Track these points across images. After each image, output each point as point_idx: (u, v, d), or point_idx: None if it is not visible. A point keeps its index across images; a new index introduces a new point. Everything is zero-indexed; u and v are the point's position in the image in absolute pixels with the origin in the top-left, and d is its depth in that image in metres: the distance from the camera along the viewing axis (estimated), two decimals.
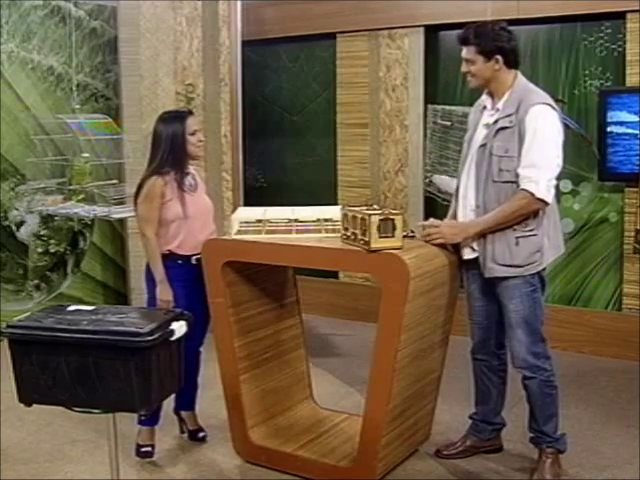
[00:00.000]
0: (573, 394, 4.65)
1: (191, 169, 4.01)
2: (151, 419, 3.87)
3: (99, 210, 5.14)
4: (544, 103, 3.43)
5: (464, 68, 3.55)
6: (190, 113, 4.03)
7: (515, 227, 3.43)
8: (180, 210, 3.84)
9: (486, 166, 3.49)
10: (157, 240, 3.84)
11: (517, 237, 3.44)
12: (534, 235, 3.46)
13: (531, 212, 3.42)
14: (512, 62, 3.50)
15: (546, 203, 3.40)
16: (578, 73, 5.48)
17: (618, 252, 5.45)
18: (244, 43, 6.21)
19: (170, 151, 3.86)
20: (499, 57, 3.45)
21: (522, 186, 3.38)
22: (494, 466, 3.82)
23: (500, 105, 3.50)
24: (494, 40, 3.45)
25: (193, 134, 3.90)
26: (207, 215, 4.02)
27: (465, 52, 3.52)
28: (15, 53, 5.55)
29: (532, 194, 3.36)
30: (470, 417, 3.95)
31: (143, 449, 3.93)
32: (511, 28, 3.55)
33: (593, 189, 5.51)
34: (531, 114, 3.38)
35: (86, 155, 5.22)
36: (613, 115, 5.17)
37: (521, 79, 3.53)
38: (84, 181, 5.20)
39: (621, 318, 5.45)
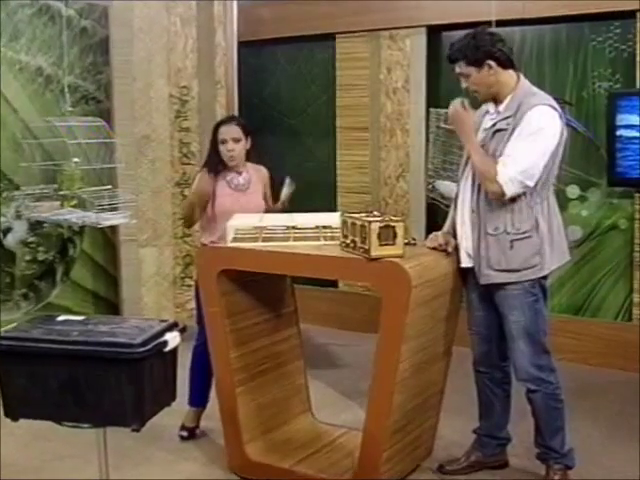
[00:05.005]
0: (579, 407, 4.57)
1: (249, 169, 4.29)
2: (200, 399, 4.24)
3: (88, 217, 5.07)
4: (543, 104, 3.40)
5: (463, 84, 3.55)
6: (229, 120, 4.28)
7: (509, 230, 3.41)
8: (221, 206, 4.11)
9: None
10: (203, 232, 4.22)
11: (511, 240, 3.43)
12: (529, 237, 3.43)
13: (485, 185, 3.40)
14: (505, 62, 3.47)
15: (502, 194, 3.35)
16: (586, 75, 5.45)
17: (628, 260, 5.40)
18: (240, 44, 6.26)
19: (208, 155, 4.26)
20: (490, 62, 3.44)
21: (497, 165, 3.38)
22: None
23: (501, 108, 3.50)
24: (477, 48, 3.44)
25: (223, 143, 4.13)
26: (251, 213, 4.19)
27: (457, 69, 3.52)
28: (2, 53, 5.46)
29: (496, 173, 3.34)
30: (474, 432, 3.92)
31: (183, 432, 4.27)
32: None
33: (602, 195, 5.47)
34: (527, 116, 3.37)
35: (76, 160, 5.15)
36: (623, 118, 5.07)
37: (524, 83, 3.51)
38: (74, 187, 5.17)
39: (631, 329, 5.37)
